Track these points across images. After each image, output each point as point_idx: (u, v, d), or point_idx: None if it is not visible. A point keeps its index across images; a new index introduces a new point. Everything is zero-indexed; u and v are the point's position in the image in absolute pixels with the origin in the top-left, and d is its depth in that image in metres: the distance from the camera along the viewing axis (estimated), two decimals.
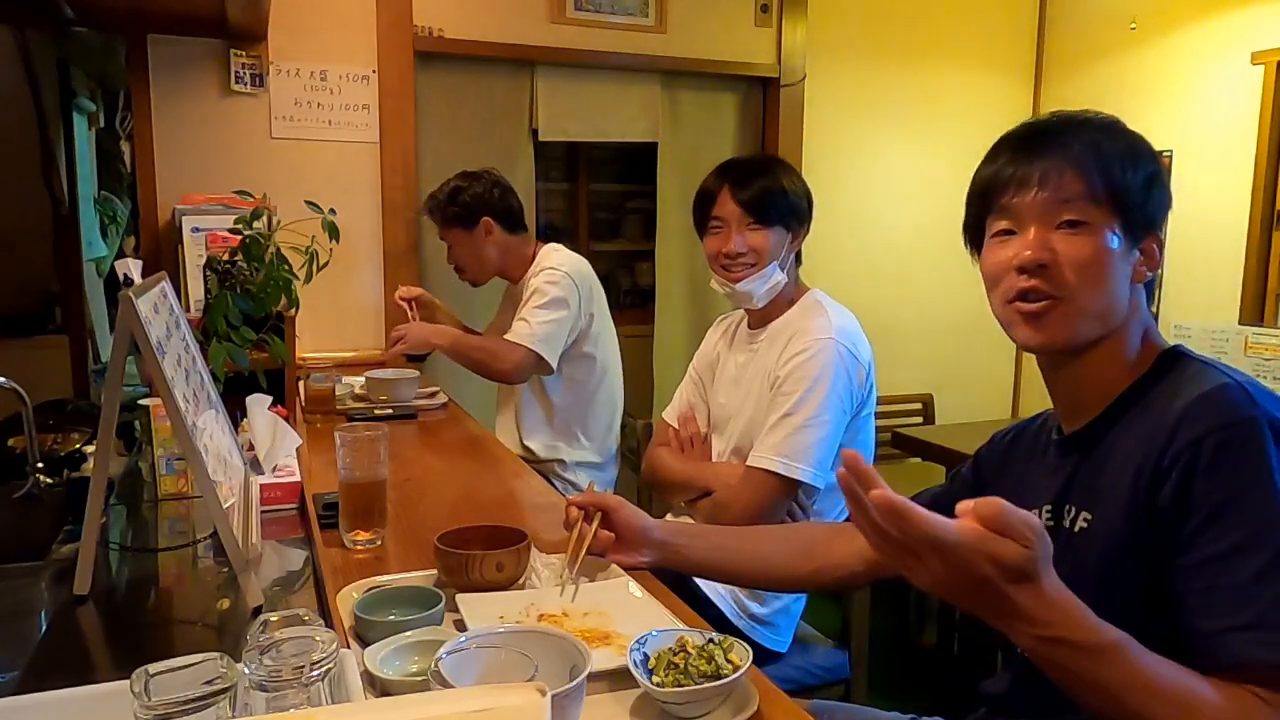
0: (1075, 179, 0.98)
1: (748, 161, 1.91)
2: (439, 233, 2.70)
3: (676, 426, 2.01)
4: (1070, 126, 1.02)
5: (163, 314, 1.24)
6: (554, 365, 2.47)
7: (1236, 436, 0.86)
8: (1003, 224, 1.03)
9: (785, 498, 1.73)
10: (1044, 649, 0.81)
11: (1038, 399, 1.12)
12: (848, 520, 1.80)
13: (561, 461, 2.56)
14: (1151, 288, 1.06)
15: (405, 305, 2.76)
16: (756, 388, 1.82)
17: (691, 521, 1.83)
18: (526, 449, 2.58)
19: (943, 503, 0.90)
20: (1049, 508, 1.04)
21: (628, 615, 1.11)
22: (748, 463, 1.73)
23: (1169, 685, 0.81)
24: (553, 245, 2.67)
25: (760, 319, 1.88)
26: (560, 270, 2.50)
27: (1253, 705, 0.81)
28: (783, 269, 1.82)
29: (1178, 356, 1.01)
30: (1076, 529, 1.00)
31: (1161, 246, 1.03)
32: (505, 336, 2.47)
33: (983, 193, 1.06)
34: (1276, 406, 0.89)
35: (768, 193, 1.79)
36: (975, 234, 1.10)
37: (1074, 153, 0.99)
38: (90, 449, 1.94)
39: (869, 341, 1.81)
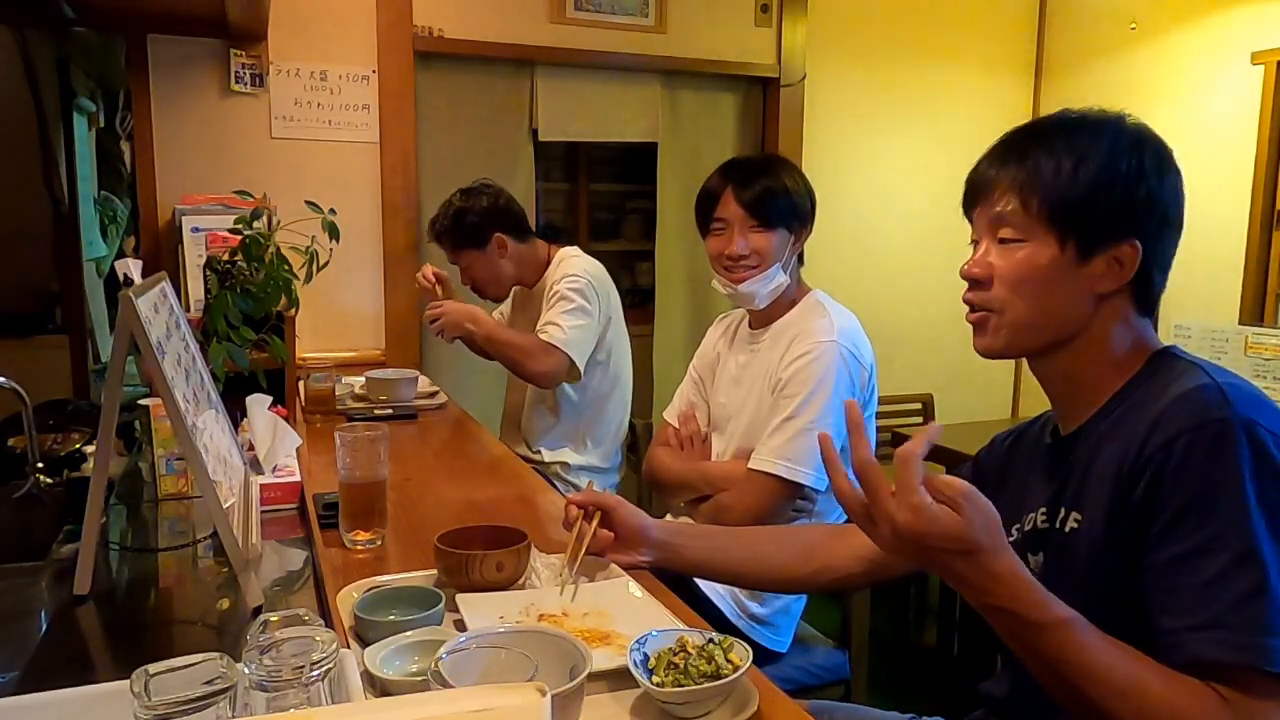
0: (1011, 198, 1.01)
1: (750, 161, 1.91)
2: (449, 257, 2.61)
3: (677, 426, 2.01)
4: (1031, 139, 1.03)
5: (163, 314, 1.25)
6: (582, 371, 2.42)
7: (1206, 438, 0.87)
8: (971, 233, 1.09)
9: (787, 500, 1.73)
10: (989, 614, 0.86)
11: (1037, 400, 1.12)
12: (848, 522, 1.81)
13: (565, 464, 2.54)
14: None
15: (429, 285, 2.60)
16: (758, 388, 1.82)
17: (691, 521, 1.83)
18: (532, 451, 2.56)
19: None
20: (1044, 510, 1.05)
21: (628, 615, 1.11)
22: (750, 465, 1.74)
23: (1109, 668, 0.83)
24: (571, 249, 2.61)
25: (762, 319, 1.88)
26: (584, 278, 2.45)
27: (1211, 701, 0.81)
28: (785, 270, 1.82)
29: (1168, 358, 1.01)
30: (1067, 530, 1.00)
31: (1140, 250, 1.00)
32: (539, 337, 2.39)
33: (963, 198, 1.11)
34: (1255, 408, 0.88)
35: (771, 193, 1.79)
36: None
37: (1012, 173, 1.02)
38: (90, 449, 1.94)
39: (870, 342, 1.81)
